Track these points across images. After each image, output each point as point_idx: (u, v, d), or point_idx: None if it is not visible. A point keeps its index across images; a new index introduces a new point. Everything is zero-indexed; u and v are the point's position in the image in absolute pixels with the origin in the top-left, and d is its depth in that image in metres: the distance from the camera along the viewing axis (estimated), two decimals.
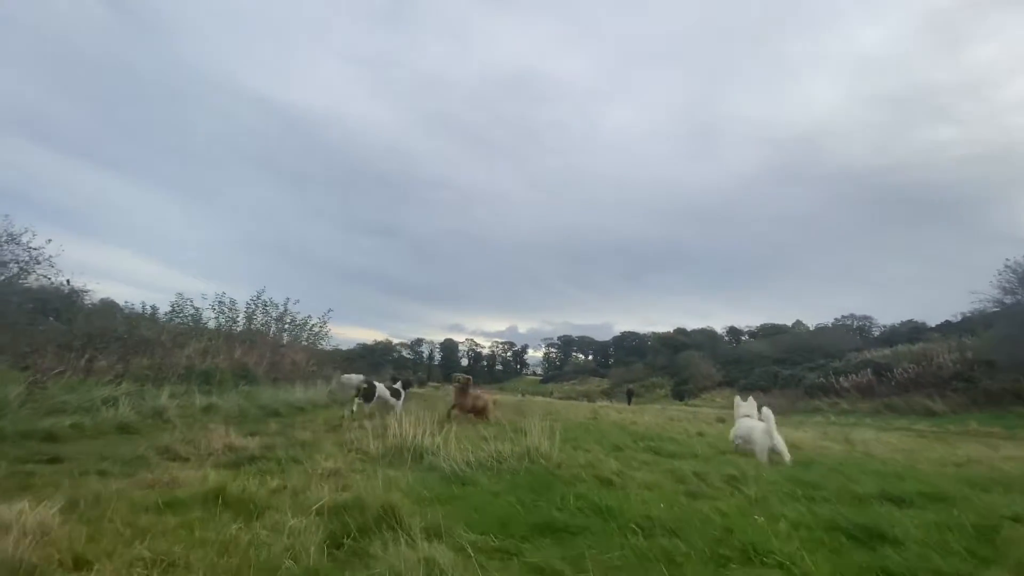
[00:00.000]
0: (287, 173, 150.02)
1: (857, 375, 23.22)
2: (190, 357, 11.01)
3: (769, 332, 72.61)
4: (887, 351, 29.22)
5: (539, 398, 37.10)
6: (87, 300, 14.54)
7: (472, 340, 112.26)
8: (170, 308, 15.20)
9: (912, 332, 50.82)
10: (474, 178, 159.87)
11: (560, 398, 55.33)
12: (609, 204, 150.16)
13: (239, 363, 11.53)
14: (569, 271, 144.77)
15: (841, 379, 23.94)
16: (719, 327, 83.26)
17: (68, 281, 12.68)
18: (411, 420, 5.07)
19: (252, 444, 4.48)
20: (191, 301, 15.39)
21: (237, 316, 15.99)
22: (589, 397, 53.84)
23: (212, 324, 15.27)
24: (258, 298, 16.44)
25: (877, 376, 22.06)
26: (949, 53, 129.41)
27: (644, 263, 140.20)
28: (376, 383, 9.78)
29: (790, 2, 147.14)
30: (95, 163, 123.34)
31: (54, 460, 3.73)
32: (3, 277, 12.00)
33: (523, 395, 42.55)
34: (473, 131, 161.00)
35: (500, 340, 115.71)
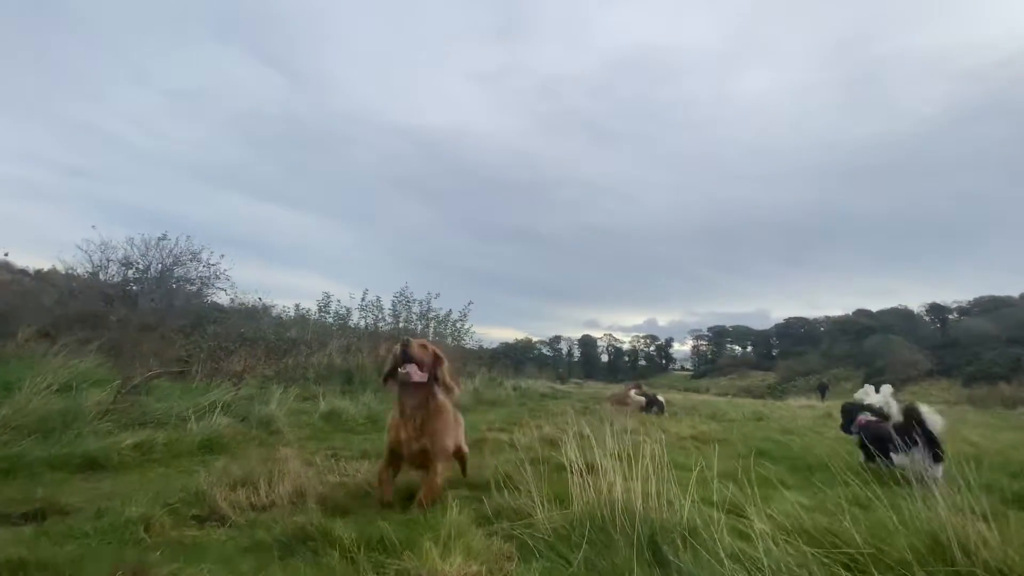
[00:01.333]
0: (428, 192, 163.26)
1: None
2: (330, 355, 10.54)
3: (988, 307, 55.94)
4: None
5: (694, 396, 32.63)
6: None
7: (611, 335, 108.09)
8: (316, 307, 15.08)
9: None
10: (599, 170, 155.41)
11: (717, 395, 48.84)
12: (753, 176, 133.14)
13: (382, 362, 10.71)
14: (711, 255, 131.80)
15: None
16: (915, 305, 66.84)
17: (260, 298, 14.69)
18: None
19: (337, 490, 2.73)
20: (338, 300, 15.28)
21: (383, 313, 15.68)
22: (749, 393, 46.64)
23: (360, 324, 15.05)
24: (401, 294, 16.07)
25: None
26: None
27: (803, 238, 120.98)
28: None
29: None
30: (274, 202, 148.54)
31: (49, 510, 2.38)
32: (187, 288, 13.14)
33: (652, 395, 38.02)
34: (596, 123, 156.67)
35: (640, 334, 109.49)
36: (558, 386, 26.31)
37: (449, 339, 16.34)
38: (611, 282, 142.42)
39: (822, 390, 32.08)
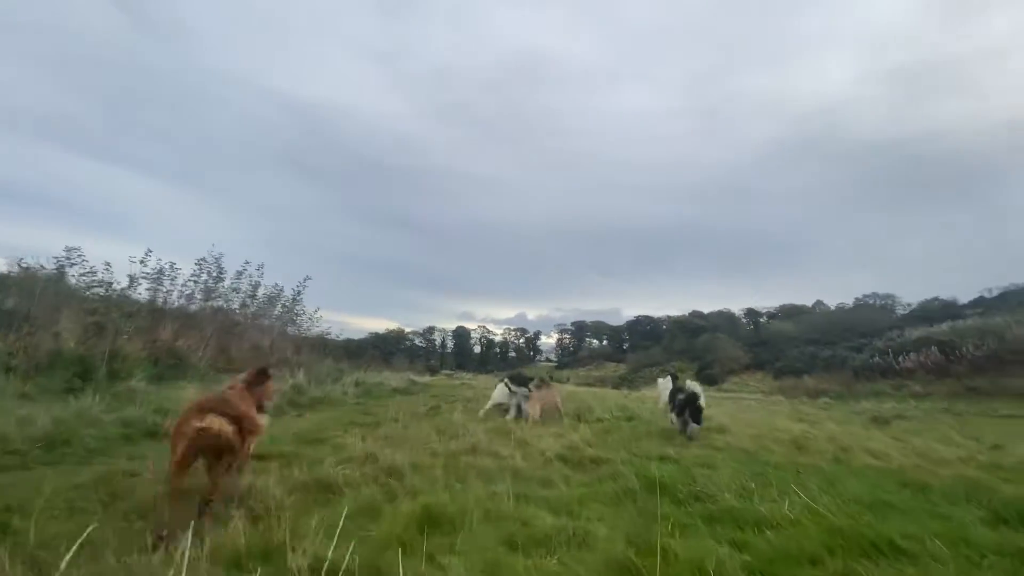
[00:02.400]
0: (305, 169, 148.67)
1: (919, 354, 20.26)
2: (59, 335, 7.77)
3: (789, 313, 69.60)
4: (944, 327, 26.07)
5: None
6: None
7: (484, 327, 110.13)
8: (55, 265, 10.52)
9: (945, 310, 47.30)
10: (484, 166, 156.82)
11: (577, 384, 52.84)
12: (622, 186, 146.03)
13: (164, 347, 9.14)
14: (580, 256, 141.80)
15: (900, 359, 20.98)
16: (736, 309, 79.80)
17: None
18: None
19: None
20: (108, 266, 10.65)
21: (175, 284, 11.74)
22: (604, 383, 51.22)
23: (142, 295, 11.03)
24: (210, 260, 12.47)
25: (945, 355, 19.08)
26: (964, 22, 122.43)
27: (657, 245, 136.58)
28: None
29: None
30: (116, 164, 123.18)
31: None
32: None
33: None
34: (483, 119, 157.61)
35: (511, 327, 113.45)
36: (419, 379, 25.14)
37: (279, 322, 14.64)
38: (487, 276, 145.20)
39: (674, 377, 36.34)
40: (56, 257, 10.50)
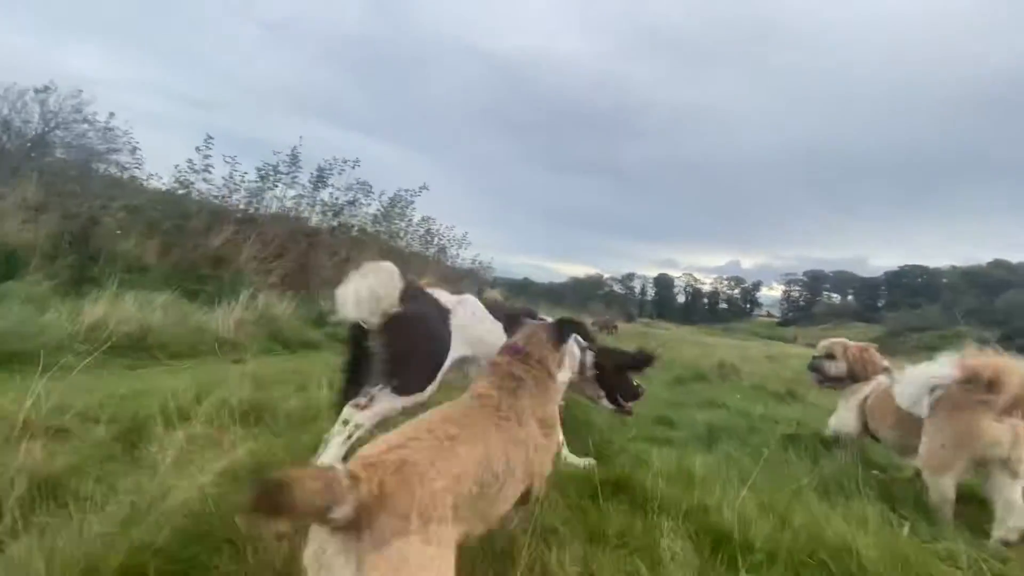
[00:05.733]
0: (506, 122, 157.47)
1: None
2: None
3: None
4: None
5: (775, 347, 28.42)
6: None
7: (690, 275, 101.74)
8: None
9: None
10: (692, 95, 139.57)
11: (807, 346, 43.63)
12: (872, 106, 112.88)
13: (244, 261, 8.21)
14: (810, 194, 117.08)
15: None
16: None
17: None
18: None
19: None
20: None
21: (233, 181, 9.92)
22: None
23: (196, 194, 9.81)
24: (289, 153, 10.23)
25: None
26: None
27: (928, 177, 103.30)
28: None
29: None
30: (362, 133, 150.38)
31: None
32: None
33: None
34: (690, 40, 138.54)
35: (724, 276, 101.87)
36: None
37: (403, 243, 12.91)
38: (692, 219, 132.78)
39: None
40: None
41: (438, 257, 15.40)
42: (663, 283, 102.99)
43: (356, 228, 11.70)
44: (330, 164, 10.88)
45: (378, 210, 12.15)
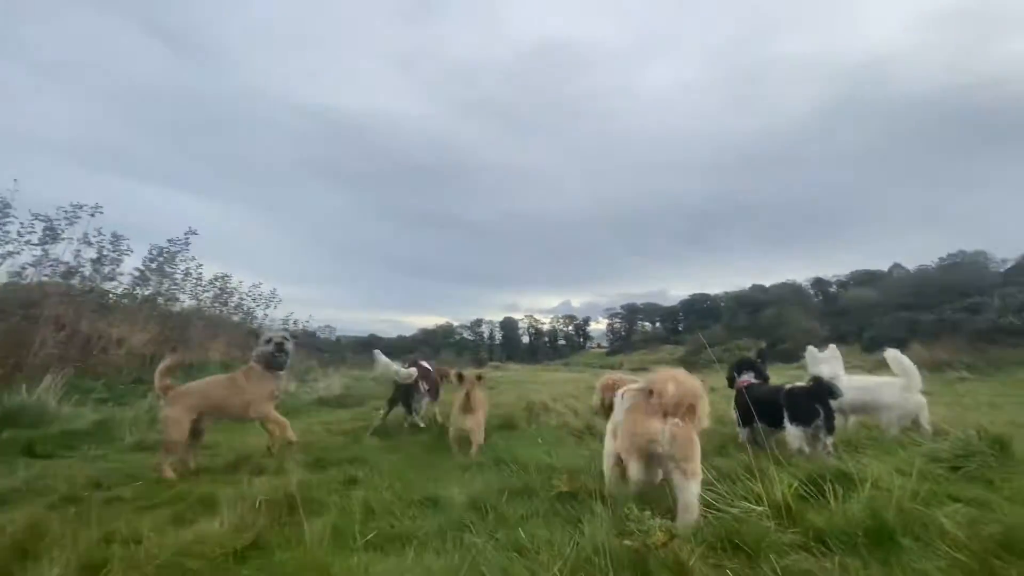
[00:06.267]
0: (343, 177, 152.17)
1: None
2: None
3: (863, 279, 62.50)
4: None
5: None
6: None
7: (531, 317, 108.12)
8: None
9: None
10: (516, 157, 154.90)
11: (632, 370, 49.37)
12: (657, 165, 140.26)
13: None
14: (620, 239, 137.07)
15: None
16: (801, 280, 73.11)
17: None
18: None
19: None
20: None
21: None
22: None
23: None
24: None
25: None
26: None
27: (701, 223, 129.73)
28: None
29: None
30: (174, 189, 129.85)
31: None
32: None
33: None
34: (510, 111, 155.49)
35: (559, 315, 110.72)
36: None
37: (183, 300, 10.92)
38: (530, 265, 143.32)
39: (763, 356, 32.65)
40: None
41: (242, 318, 13.26)
42: (509, 326, 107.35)
43: (111, 293, 9.29)
44: (66, 212, 8.58)
45: (142, 267, 9.87)
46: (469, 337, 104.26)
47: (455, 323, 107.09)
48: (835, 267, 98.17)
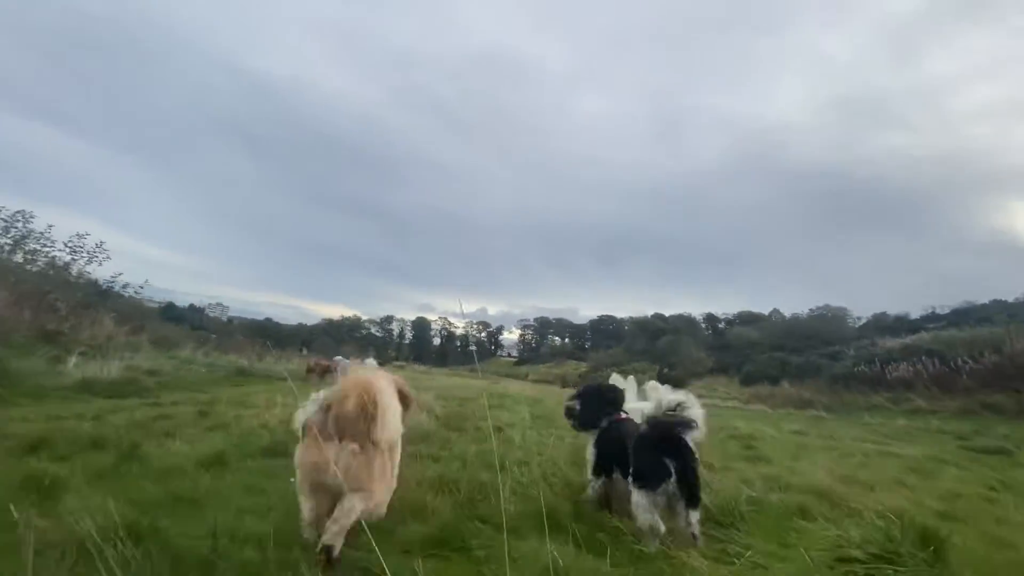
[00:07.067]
0: (258, 142, 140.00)
1: (911, 364, 18.61)
2: None
3: (748, 319, 69.40)
4: (924, 336, 24.87)
5: (513, 383, 31.39)
6: None
7: (445, 319, 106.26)
8: None
9: (899, 324, 47.75)
10: (445, 154, 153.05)
11: (535, 381, 50.22)
12: (582, 185, 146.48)
13: None
14: (540, 252, 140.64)
15: (888, 369, 19.29)
16: (696, 314, 79.54)
17: None
18: None
19: None
20: None
21: None
22: (565, 381, 49.08)
23: None
24: None
25: (946, 366, 17.40)
26: (905, 62, 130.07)
27: (615, 247, 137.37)
28: None
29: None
30: (50, 121, 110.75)
31: None
32: None
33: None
34: (448, 108, 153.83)
35: (474, 321, 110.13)
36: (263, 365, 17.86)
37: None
38: (448, 268, 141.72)
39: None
40: None
41: (43, 269, 10.81)
42: (420, 326, 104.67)
43: None
44: None
45: None
46: (377, 333, 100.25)
47: (363, 317, 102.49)
48: (725, 305, 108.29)
